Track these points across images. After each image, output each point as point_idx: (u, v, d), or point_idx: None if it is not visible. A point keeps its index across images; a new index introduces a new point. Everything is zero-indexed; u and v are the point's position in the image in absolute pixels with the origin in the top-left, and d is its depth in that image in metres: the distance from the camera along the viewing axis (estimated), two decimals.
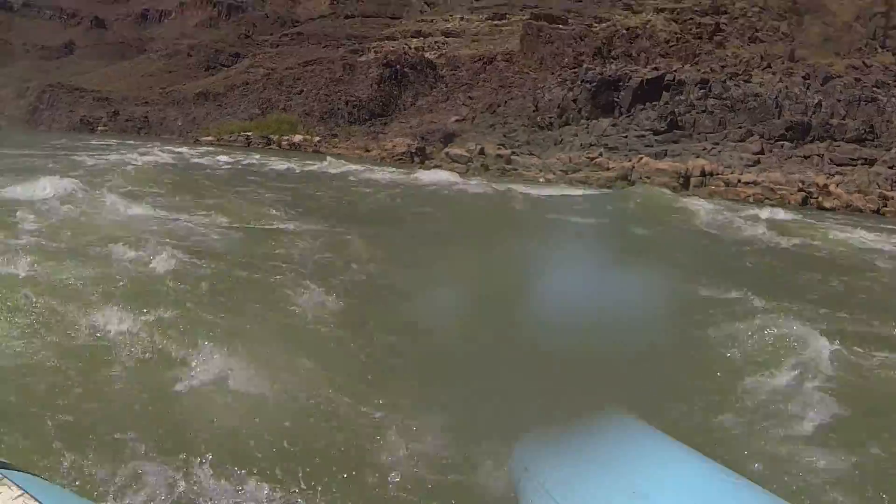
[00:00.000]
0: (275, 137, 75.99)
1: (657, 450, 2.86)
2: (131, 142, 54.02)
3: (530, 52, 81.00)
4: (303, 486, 4.33)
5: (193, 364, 5.82)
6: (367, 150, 61.46)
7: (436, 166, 43.64)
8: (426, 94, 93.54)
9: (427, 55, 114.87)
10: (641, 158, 40.85)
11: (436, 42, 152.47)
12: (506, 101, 71.44)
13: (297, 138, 74.22)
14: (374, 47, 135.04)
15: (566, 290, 8.11)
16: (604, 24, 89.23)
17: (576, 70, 59.81)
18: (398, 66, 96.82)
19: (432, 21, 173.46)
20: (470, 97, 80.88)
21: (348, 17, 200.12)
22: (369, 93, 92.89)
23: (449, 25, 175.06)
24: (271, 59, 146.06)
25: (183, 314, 6.85)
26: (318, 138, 74.29)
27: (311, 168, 36.51)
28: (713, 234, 18.60)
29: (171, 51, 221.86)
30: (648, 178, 38.87)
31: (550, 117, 54.51)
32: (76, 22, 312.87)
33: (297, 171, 35.63)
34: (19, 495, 1.77)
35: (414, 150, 56.09)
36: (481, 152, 44.50)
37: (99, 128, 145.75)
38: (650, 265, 12.56)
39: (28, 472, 2.10)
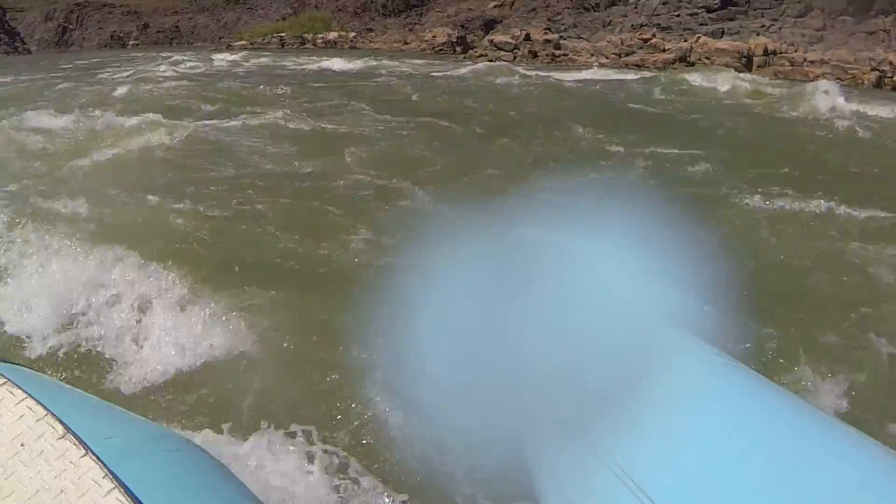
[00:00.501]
0: (309, 36, 73.74)
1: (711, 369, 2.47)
2: (164, 53, 52.04)
3: None
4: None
5: None
6: (406, 43, 58.93)
7: (480, 55, 41.37)
8: None
9: None
10: (699, 38, 37.95)
11: None
12: None
13: (332, 35, 71.90)
14: None
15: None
16: None
17: None
18: None
19: None
20: None
21: None
22: None
23: None
24: None
25: None
26: (353, 34, 71.89)
27: (348, 66, 34.59)
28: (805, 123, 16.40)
29: None
30: (708, 58, 36.22)
31: None
32: None
33: (336, 69, 33.78)
34: (2, 384, 1.83)
35: (455, 40, 53.58)
36: (527, 38, 41.93)
37: (130, 42, 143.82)
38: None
39: (9, 362, 2.18)
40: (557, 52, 40.20)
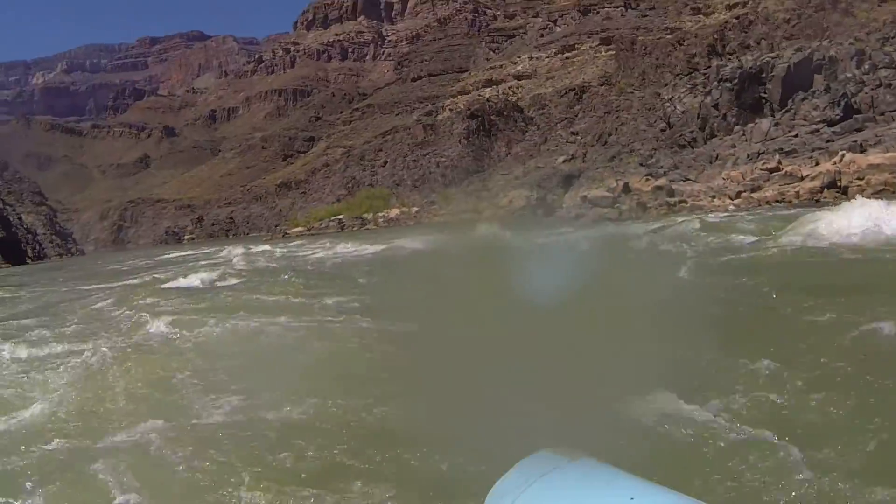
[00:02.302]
0: (369, 216, 69.11)
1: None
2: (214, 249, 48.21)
3: (628, 70, 72.18)
4: None
5: None
6: (478, 212, 53.14)
7: (578, 215, 34.93)
8: (519, 139, 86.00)
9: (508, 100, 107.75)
10: (844, 156, 31.26)
11: (509, 87, 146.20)
12: (616, 128, 62.97)
13: (394, 212, 67.10)
14: (447, 105, 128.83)
15: None
16: (699, 24, 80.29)
17: (705, 73, 50.61)
18: (484, 115, 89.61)
19: (501, 67, 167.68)
20: (573, 132, 72.60)
21: (415, 80, 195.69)
22: (459, 150, 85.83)
23: (519, 68, 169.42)
24: (346, 136, 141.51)
25: None
26: (415, 209, 66.96)
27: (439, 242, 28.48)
28: None
29: (245, 146, 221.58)
30: (861, 178, 29.55)
31: (691, 132, 45.29)
32: (147, 134, 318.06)
33: (426, 249, 27.91)
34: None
35: (534, 202, 48.07)
36: (626, 189, 35.61)
37: (185, 237, 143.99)
38: None
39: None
40: (672, 200, 33.50)
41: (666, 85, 57.02)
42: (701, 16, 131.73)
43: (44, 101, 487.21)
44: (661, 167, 41.06)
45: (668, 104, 48.94)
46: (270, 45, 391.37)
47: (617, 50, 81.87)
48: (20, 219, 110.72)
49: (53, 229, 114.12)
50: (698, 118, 45.72)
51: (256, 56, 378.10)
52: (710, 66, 54.14)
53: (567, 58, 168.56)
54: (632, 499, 2.26)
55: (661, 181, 35.39)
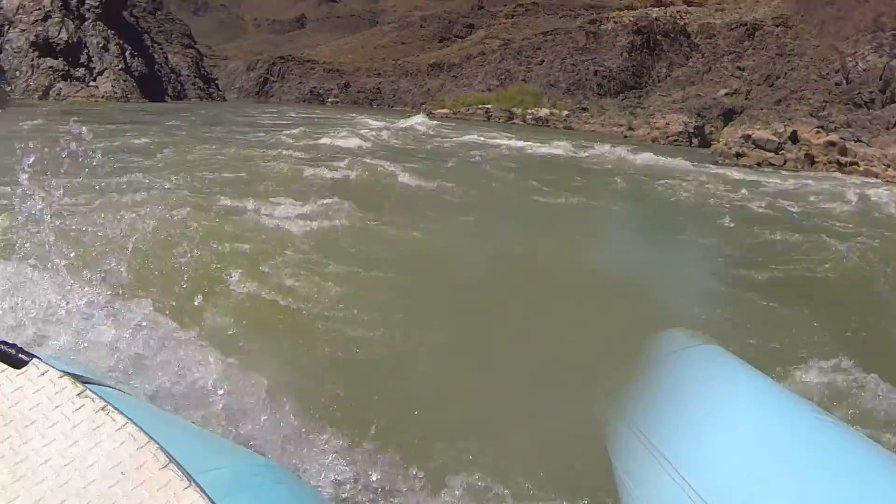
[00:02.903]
0: (518, 111, 69.08)
1: (740, 382, 2.78)
2: (365, 117, 48.90)
3: (808, 15, 69.61)
4: None
5: None
6: (631, 129, 52.89)
7: (739, 154, 34.68)
8: (682, 64, 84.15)
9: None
10: None
11: (677, 11, 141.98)
12: (786, 73, 61.30)
13: (544, 112, 66.97)
14: (613, 17, 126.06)
15: None
16: None
17: (893, 32, 48.64)
18: (650, 33, 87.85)
19: None
20: (739, 67, 70.85)
21: None
22: (619, 62, 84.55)
23: None
24: (507, 29, 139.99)
25: None
26: (566, 112, 66.79)
27: (597, 153, 28.81)
28: None
29: (404, 22, 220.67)
30: None
31: (870, 92, 43.96)
32: None
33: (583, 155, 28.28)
34: (101, 408, 1.82)
35: (692, 130, 47.63)
36: (793, 137, 35.04)
37: (329, 99, 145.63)
38: None
39: (110, 386, 2.16)
40: (844, 160, 32.93)
41: (847, 38, 55.03)
42: None
43: None
44: (833, 122, 40.14)
45: (849, 59, 47.38)
46: None
47: None
48: (166, 58, 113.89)
49: (198, 72, 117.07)
50: (880, 79, 44.23)
51: None
52: (894, 29, 52.05)
53: None
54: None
55: (834, 136, 34.66)
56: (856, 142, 36.30)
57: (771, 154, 33.73)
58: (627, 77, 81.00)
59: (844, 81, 46.77)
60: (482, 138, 33.85)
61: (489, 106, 73.21)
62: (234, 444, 2.61)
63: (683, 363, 3.02)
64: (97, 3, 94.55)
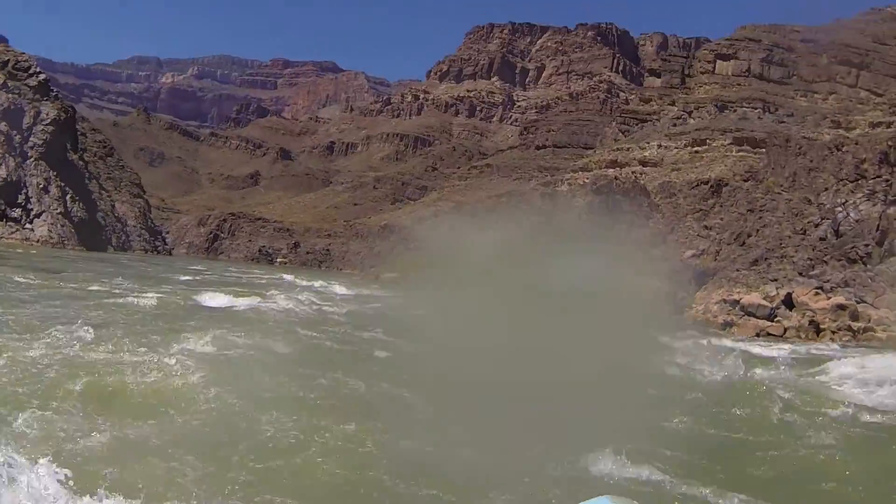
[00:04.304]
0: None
1: None
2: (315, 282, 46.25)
3: (779, 168, 65.95)
4: None
5: None
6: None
7: (727, 324, 29.01)
8: (642, 225, 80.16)
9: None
10: None
11: (633, 171, 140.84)
12: (758, 230, 56.79)
13: None
14: (567, 179, 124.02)
15: None
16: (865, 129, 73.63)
17: (888, 180, 44.14)
18: (610, 193, 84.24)
19: (628, 150, 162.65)
20: (705, 227, 66.54)
21: (539, 148, 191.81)
22: (577, 224, 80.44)
23: (646, 154, 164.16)
24: (460, 191, 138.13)
25: None
26: None
27: None
28: None
29: (357, 183, 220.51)
30: None
31: (866, 245, 39.03)
32: (262, 153, 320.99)
33: None
34: None
35: (663, 296, 42.43)
36: (788, 301, 29.63)
37: (278, 259, 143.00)
38: None
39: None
40: (856, 325, 27.37)
41: (826, 189, 50.79)
42: (841, 130, 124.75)
43: (168, 101, 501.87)
44: (828, 281, 34.80)
45: (839, 210, 42.71)
46: (400, 88, 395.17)
47: (770, 145, 75.60)
48: (113, 206, 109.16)
49: (145, 223, 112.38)
50: (877, 230, 39.42)
51: (385, 97, 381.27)
52: (879, 176, 48.01)
53: (696, 152, 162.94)
54: None
55: (840, 299, 29.31)
56: (858, 303, 30.83)
57: (767, 322, 28.13)
58: (585, 240, 76.70)
59: (833, 235, 41.94)
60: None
61: (439, 270, 68.17)
62: None
63: None
64: (41, 142, 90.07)
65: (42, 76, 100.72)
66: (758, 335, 26.97)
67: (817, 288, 32.23)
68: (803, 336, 26.75)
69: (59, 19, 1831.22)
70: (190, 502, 7.58)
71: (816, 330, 27.52)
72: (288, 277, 48.80)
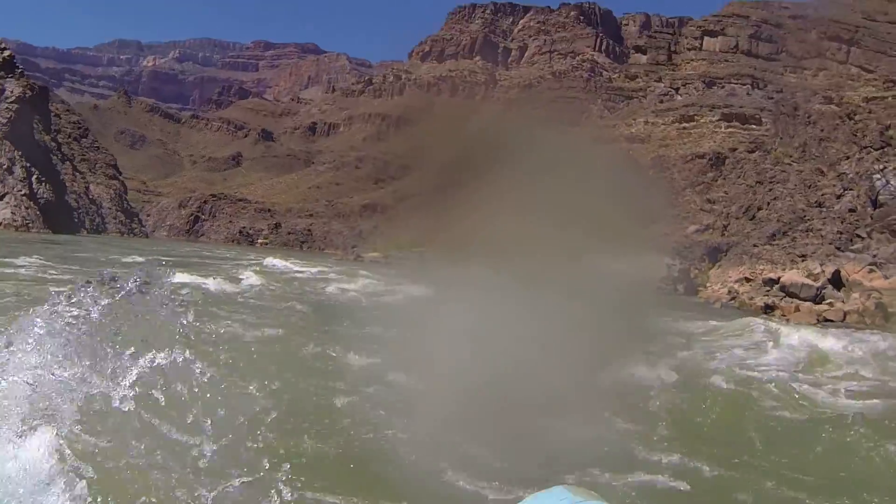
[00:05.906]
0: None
1: None
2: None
3: (787, 138, 62.19)
4: None
5: None
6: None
7: (768, 307, 24.85)
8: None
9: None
10: None
11: (620, 148, 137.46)
12: (769, 203, 52.99)
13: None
14: None
15: None
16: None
17: None
18: None
19: (614, 126, 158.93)
20: (708, 200, 62.75)
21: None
22: None
23: (633, 130, 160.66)
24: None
25: None
26: None
27: None
28: None
29: (339, 163, 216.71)
30: None
31: None
32: (244, 134, 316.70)
33: None
34: None
35: (676, 274, 38.67)
36: (836, 279, 25.59)
37: (259, 240, 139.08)
38: None
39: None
40: None
41: (848, 158, 47.04)
42: (833, 105, 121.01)
43: (150, 84, 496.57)
44: (875, 256, 30.63)
45: (877, 178, 38.70)
46: (382, 69, 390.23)
47: (777, 114, 71.92)
48: (87, 188, 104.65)
49: (120, 206, 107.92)
50: None
51: (366, 77, 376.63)
52: None
53: (685, 128, 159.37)
54: None
55: None
56: None
57: (822, 306, 23.90)
58: None
59: (871, 205, 37.84)
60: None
61: (424, 248, 64.39)
62: None
63: None
64: (6, 120, 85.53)
65: (7, 52, 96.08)
66: (818, 321, 22.74)
67: (871, 265, 28.03)
68: (869, 321, 22.59)
69: (38, 2, 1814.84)
70: None
71: (884, 313, 23.26)
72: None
